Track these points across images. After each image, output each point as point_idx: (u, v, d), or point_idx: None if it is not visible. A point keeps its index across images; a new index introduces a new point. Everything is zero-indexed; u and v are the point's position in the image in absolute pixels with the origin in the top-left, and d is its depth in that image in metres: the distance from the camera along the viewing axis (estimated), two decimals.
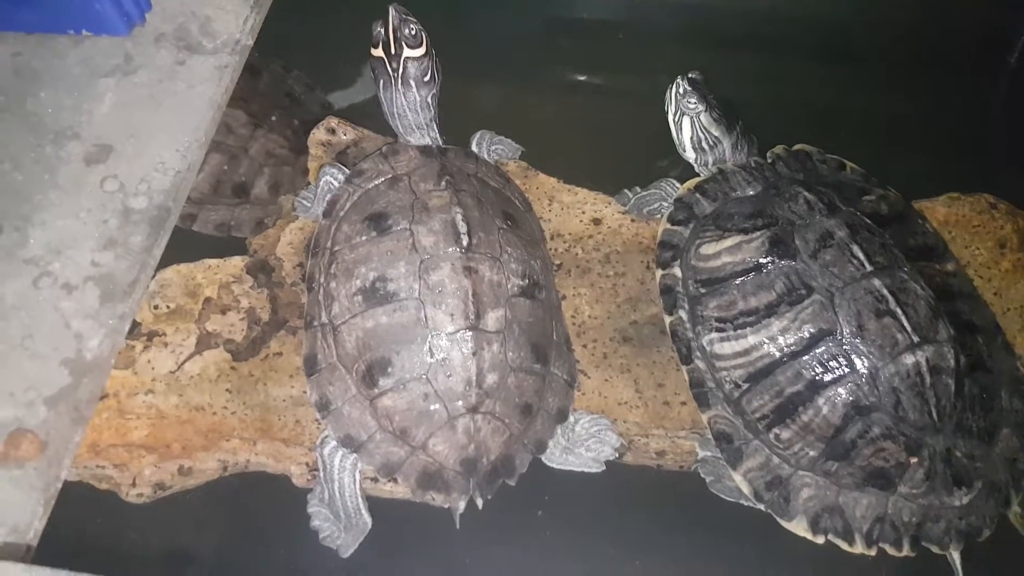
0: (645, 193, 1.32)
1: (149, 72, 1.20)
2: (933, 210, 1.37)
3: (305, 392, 1.12)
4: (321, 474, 1.09)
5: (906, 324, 1.03)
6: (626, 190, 1.35)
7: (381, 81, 1.22)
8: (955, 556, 1.07)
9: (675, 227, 1.24)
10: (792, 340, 1.07)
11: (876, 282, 1.06)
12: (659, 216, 1.29)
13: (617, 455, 1.15)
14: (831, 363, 1.04)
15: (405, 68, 1.20)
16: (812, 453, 1.06)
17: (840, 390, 1.04)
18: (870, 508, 1.06)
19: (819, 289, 1.07)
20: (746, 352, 1.10)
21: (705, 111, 1.25)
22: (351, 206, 1.18)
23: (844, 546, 1.06)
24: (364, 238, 1.12)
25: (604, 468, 1.14)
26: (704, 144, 1.27)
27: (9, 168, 1.12)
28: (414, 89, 1.21)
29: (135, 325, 1.15)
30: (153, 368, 1.14)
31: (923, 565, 1.08)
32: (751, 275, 1.12)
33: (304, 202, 1.27)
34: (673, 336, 1.18)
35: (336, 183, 1.22)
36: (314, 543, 1.06)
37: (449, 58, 1.25)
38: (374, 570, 1.07)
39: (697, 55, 1.32)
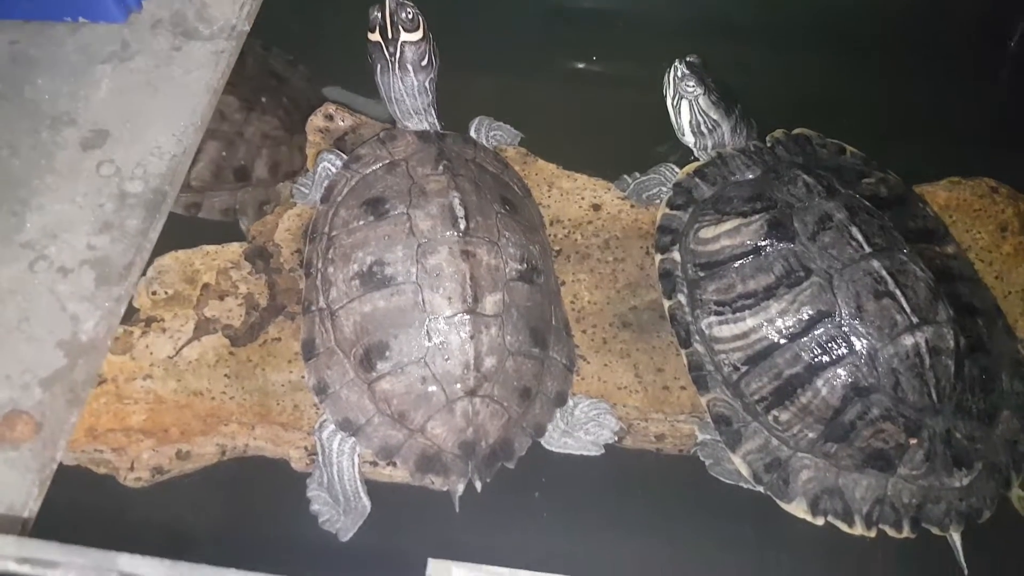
0: (644, 178, 1.32)
1: (145, 58, 1.20)
2: (934, 194, 1.37)
3: (303, 377, 1.11)
4: (320, 458, 1.09)
5: (905, 305, 1.03)
6: (625, 176, 1.34)
7: (379, 66, 1.22)
8: (955, 538, 1.07)
9: (674, 212, 1.24)
10: (791, 322, 1.06)
11: (875, 263, 1.06)
12: (658, 201, 1.29)
13: (616, 439, 1.15)
14: (830, 345, 1.04)
15: (402, 52, 1.19)
16: (811, 435, 1.06)
17: (839, 371, 1.03)
18: (870, 490, 1.06)
19: (818, 271, 1.07)
20: (745, 335, 1.09)
21: (703, 94, 1.24)
22: (348, 191, 1.18)
23: (844, 528, 1.06)
24: (361, 223, 1.12)
25: (603, 451, 1.14)
26: (703, 128, 1.27)
27: (7, 154, 1.12)
28: (411, 73, 1.21)
29: (133, 311, 1.15)
30: (151, 353, 1.14)
31: (924, 547, 1.08)
32: (750, 258, 1.12)
33: (302, 188, 1.27)
34: (672, 320, 1.18)
35: (334, 169, 1.22)
36: (313, 527, 1.06)
37: (448, 46, 1.25)
38: (373, 553, 1.07)
39: (695, 43, 1.31)
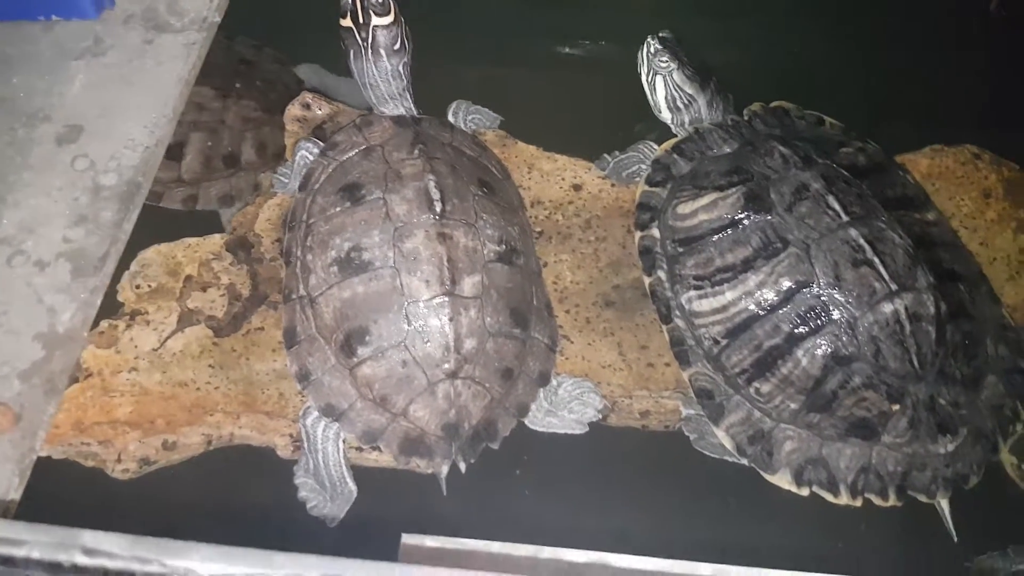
0: (623, 156, 1.31)
1: (118, 53, 1.21)
2: (916, 163, 1.36)
3: (287, 365, 1.12)
4: (305, 445, 1.09)
5: (884, 273, 1.02)
6: (605, 155, 1.34)
7: (351, 52, 1.22)
8: (943, 505, 1.07)
9: (653, 188, 1.23)
10: (769, 294, 1.06)
11: (852, 232, 1.05)
12: (638, 179, 1.28)
13: (600, 416, 1.15)
14: (808, 315, 1.04)
15: (374, 37, 1.19)
16: (793, 406, 1.06)
17: (818, 341, 1.03)
18: (854, 459, 1.06)
19: (795, 242, 1.07)
20: (724, 308, 1.09)
21: (677, 68, 1.24)
22: (326, 178, 1.18)
23: (829, 498, 1.06)
24: (338, 209, 1.12)
25: (587, 430, 1.14)
26: (679, 103, 1.26)
27: None
28: (384, 58, 1.20)
29: (118, 305, 1.16)
30: (136, 346, 1.14)
31: (912, 516, 1.08)
32: (727, 231, 1.11)
33: (281, 178, 1.27)
34: (652, 296, 1.18)
35: (311, 157, 1.22)
36: (302, 514, 1.07)
37: (426, 31, 1.25)
38: (361, 538, 1.08)
39: (674, 21, 1.30)
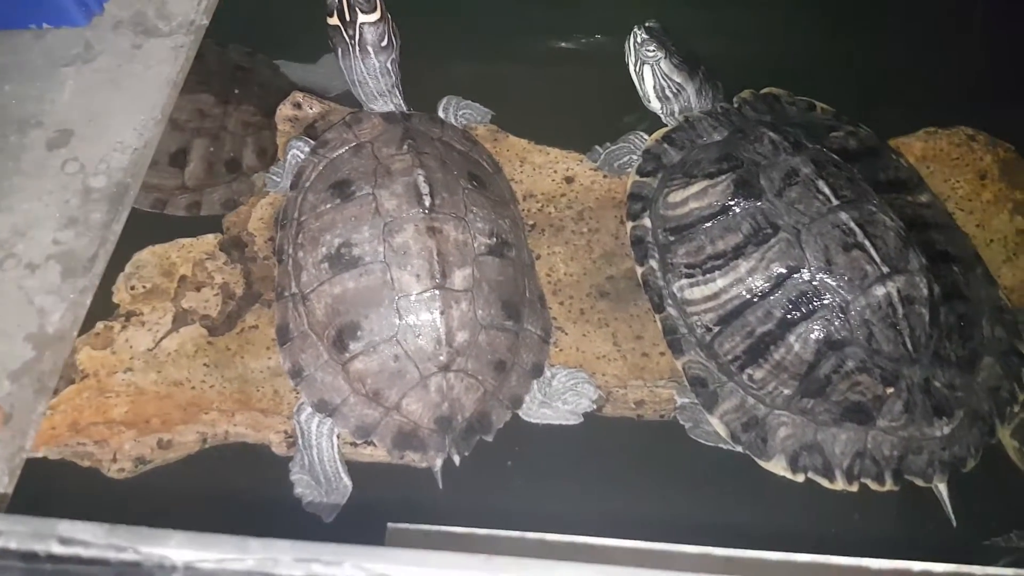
0: (614, 147, 1.31)
1: (108, 58, 1.22)
2: (910, 146, 1.35)
3: (281, 362, 1.12)
4: (299, 441, 1.10)
5: (875, 256, 1.02)
6: (596, 147, 1.34)
7: (339, 49, 1.22)
8: (941, 488, 1.06)
9: (644, 178, 1.23)
10: (760, 280, 1.06)
11: (843, 216, 1.05)
12: (630, 170, 1.28)
13: (595, 407, 1.15)
14: (800, 300, 1.03)
15: (361, 34, 1.20)
16: (786, 391, 1.05)
17: (811, 326, 1.03)
18: (849, 443, 1.05)
19: (785, 227, 1.06)
20: (715, 295, 1.09)
21: (664, 58, 1.23)
22: (316, 176, 1.18)
23: (825, 483, 1.05)
24: (328, 206, 1.12)
25: (582, 420, 1.14)
26: (667, 92, 1.26)
27: None
28: (372, 55, 1.21)
29: (113, 307, 1.17)
30: (131, 347, 1.15)
31: (911, 500, 1.07)
32: (718, 219, 1.11)
33: (274, 177, 1.27)
34: (645, 286, 1.17)
35: (302, 155, 1.23)
36: (298, 510, 1.07)
37: (415, 27, 1.25)
38: (357, 532, 1.08)
39: (664, 12, 1.30)
